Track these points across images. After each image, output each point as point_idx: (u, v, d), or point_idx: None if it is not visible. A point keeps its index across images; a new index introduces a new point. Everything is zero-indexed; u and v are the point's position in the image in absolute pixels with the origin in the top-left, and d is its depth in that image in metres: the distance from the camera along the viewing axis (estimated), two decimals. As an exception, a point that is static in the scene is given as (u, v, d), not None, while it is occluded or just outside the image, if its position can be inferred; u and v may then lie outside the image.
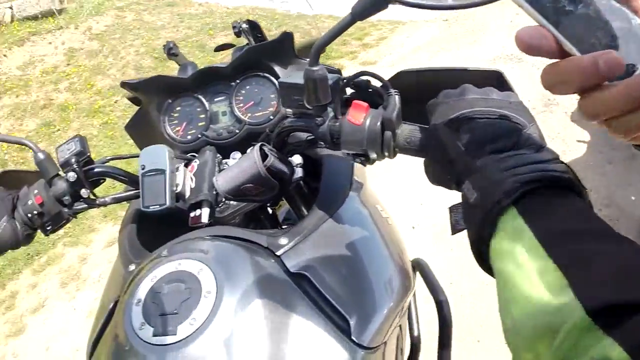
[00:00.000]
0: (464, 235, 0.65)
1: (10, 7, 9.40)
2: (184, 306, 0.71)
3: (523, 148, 0.61)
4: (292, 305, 0.77)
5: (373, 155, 0.79)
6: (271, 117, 1.19)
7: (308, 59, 1.14)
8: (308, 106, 0.78)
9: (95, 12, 9.43)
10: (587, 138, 3.91)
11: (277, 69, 1.19)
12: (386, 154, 0.78)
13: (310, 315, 0.78)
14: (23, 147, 5.15)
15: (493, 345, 2.62)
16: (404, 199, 3.75)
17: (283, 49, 1.18)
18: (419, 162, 0.78)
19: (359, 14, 0.60)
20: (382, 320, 0.86)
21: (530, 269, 0.45)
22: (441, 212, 3.35)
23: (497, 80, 0.78)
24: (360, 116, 0.77)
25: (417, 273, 1.16)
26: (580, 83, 0.43)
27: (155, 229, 1.12)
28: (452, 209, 0.69)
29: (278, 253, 0.86)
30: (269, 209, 1.29)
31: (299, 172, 1.01)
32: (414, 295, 1.21)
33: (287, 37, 1.16)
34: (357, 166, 1.11)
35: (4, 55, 8.01)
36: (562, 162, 0.57)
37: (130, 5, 9.93)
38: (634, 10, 0.44)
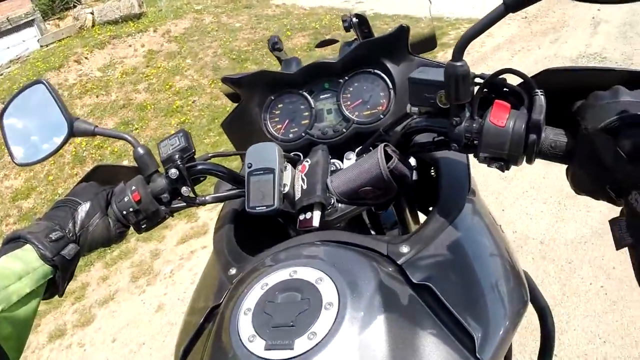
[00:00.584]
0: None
1: (92, 13, 10.06)
2: (302, 318, 0.66)
3: None
4: (416, 320, 0.71)
5: (513, 160, 0.74)
6: (381, 116, 1.12)
7: (419, 57, 1.13)
8: (441, 105, 0.77)
9: (174, 15, 9.71)
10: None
11: (390, 65, 1.13)
12: (526, 159, 0.74)
13: (434, 331, 0.71)
14: (101, 145, 5.41)
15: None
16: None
17: (398, 44, 1.12)
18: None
19: (512, 6, 0.59)
20: (504, 336, 0.79)
21: None
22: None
23: None
24: (503, 117, 0.72)
25: None
26: None
27: (252, 231, 1.09)
28: (614, 222, 0.65)
29: (399, 262, 0.81)
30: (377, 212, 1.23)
31: (414, 176, 0.97)
32: None
33: (403, 31, 1.09)
34: None
35: (85, 58, 8.39)
36: None
37: (208, 8, 10.19)
38: None
